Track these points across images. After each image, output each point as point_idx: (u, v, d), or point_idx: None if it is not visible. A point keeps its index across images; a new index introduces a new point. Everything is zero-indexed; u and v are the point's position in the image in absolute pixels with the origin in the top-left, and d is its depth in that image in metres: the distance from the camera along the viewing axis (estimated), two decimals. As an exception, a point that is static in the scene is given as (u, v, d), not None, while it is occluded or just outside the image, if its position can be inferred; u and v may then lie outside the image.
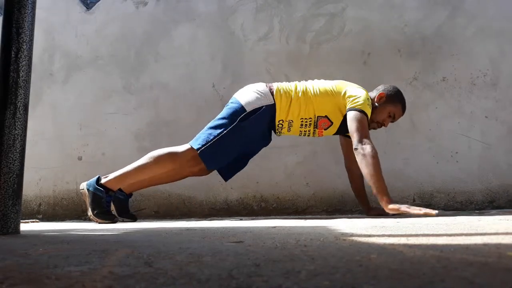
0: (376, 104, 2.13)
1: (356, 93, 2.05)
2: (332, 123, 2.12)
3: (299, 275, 0.57)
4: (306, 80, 2.21)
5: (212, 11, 2.83)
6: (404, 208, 1.82)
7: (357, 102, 2.02)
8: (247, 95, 2.10)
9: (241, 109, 2.06)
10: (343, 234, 1.11)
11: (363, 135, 1.96)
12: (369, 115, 2.03)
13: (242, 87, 2.70)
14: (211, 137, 2.04)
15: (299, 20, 2.73)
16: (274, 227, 1.46)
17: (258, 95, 2.08)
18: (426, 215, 1.78)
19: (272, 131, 2.18)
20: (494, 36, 2.57)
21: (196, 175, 2.18)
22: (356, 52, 2.66)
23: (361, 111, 2.00)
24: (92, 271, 0.63)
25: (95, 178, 2.12)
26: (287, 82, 2.18)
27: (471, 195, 2.48)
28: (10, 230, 1.28)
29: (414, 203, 2.50)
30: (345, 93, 2.07)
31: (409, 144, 2.55)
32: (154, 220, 2.39)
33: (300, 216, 2.40)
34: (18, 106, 1.32)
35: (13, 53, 1.33)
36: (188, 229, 1.45)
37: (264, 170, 2.62)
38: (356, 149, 1.95)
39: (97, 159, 2.79)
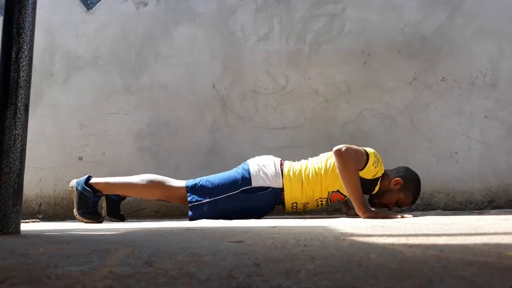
0: (390, 187, 2.05)
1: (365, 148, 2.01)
2: (345, 196, 2.07)
3: (299, 275, 0.57)
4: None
5: (212, 11, 2.83)
6: (380, 214, 1.86)
7: (365, 149, 1.98)
8: (260, 169, 2.06)
9: (247, 181, 2.03)
10: (343, 234, 1.11)
11: (349, 147, 1.92)
12: (368, 165, 1.93)
13: (242, 87, 2.72)
14: (206, 197, 2.03)
15: (299, 20, 2.73)
16: (274, 227, 1.46)
17: (269, 175, 2.04)
18: (402, 218, 1.82)
19: (282, 206, 2.13)
20: (493, 36, 2.57)
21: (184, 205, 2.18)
22: (356, 53, 2.66)
23: (365, 151, 1.95)
24: (93, 271, 0.63)
25: (85, 177, 2.13)
26: (297, 162, 2.13)
27: (471, 195, 2.48)
28: (10, 230, 1.28)
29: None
30: None
31: (409, 144, 2.55)
32: (154, 220, 2.39)
33: (300, 216, 2.40)
34: (19, 106, 1.32)
35: (13, 53, 1.33)
36: (188, 229, 1.45)
37: (264, 170, 2.62)
38: (338, 150, 1.91)
39: (97, 159, 2.79)
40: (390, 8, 2.67)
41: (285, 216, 2.44)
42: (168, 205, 2.67)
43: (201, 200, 2.03)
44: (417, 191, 2.08)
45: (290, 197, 2.05)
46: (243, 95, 2.72)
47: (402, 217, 1.81)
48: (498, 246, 0.79)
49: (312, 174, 2.04)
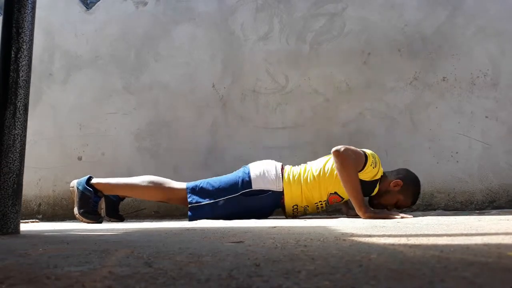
0: (389, 188, 2.05)
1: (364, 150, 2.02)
2: (342, 198, 2.09)
3: (299, 275, 0.57)
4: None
5: (212, 11, 2.82)
6: (380, 215, 1.87)
7: (364, 150, 1.99)
8: (260, 172, 2.07)
9: (247, 183, 2.05)
10: (343, 234, 1.11)
11: (348, 147, 1.92)
12: (369, 162, 1.94)
13: (242, 87, 2.72)
14: (206, 199, 2.04)
15: (299, 20, 2.73)
16: (274, 227, 1.46)
17: (269, 178, 2.06)
18: (403, 218, 1.82)
19: (282, 211, 2.15)
20: (494, 36, 2.57)
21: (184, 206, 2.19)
22: (356, 52, 2.66)
23: (363, 152, 1.96)
24: (92, 271, 0.63)
25: (85, 178, 2.14)
26: (297, 166, 2.14)
27: (472, 195, 2.48)
28: (10, 230, 1.28)
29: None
30: None
31: (409, 144, 2.55)
32: (154, 220, 2.39)
33: (300, 217, 2.39)
34: (18, 106, 1.32)
35: (13, 53, 1.33)
36: (188, 229, 1.45)
37: (264, 170, 2.62)
38: (336, 151, 1.91)
39: (97, 159, 2.79)
40: (390, 8, 2.66)
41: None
42: (167, 205, 2.67)
43: (201, 202, 2.05)
44: (416, 193, 2.09)
45: (291, 200, 2.07)
46: (243, 95, 2.72)
47: (402, 217, 1.81)
48: (499, 246, 0.79)
49: (310, 178, 2.06)
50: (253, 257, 0.73)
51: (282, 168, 2.12)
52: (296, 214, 2.13)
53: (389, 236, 1.04)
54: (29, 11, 1.36)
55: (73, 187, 2.15)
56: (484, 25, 2.58)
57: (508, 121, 2.51)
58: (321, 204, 2.10)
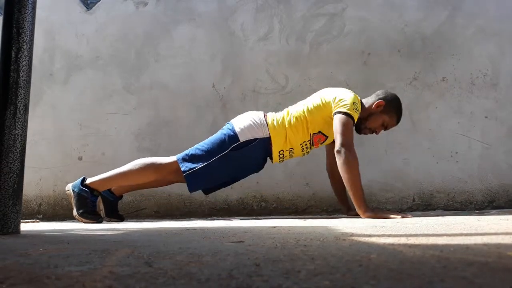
0: (373, 111, 2.10)
1: (343, 97, 2.02)
2: (327, 137, 2.10)
3: (299, 275, 0.57)
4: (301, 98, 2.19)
5: (212, 11, 2.83)
6: (380, 214, 1.87)
7: (344, 105, 1.99)
8: (244, 124, 2.08)
9: (234, 138, 2.05)
10: (343, 234, 1.11)
11: (347, 140, 1.94)
12: (355, 119, 1.99)
13: (242, 87, 2.72)
14: (199, 163, 2.04)
15: (299, 20, 2.73)
16: (274, 227, 1.46)
17: (254, 127, 2.07)
18: (402, 218, 1.82)
19: (269, 159, 2.17)
20: (494, 36, 2.57)
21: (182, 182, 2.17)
22: (356, 52, 2.66)
23: (347, 115, 1.97)
24: (93, 271, 0.63)
25: (80, 179, 2.15)
26: (280, 112, 2.16)
27: (471, 195, 2.48)
28: (10, 230, 1.28)
29: (414, 203, 2.50)
30: (334, 99, 2.04)
31: (409, 144, 2.55)
32: (154, 220, 2.39)
33: (300, 216, 2.40)
34: (19, 106, 1.32)
35: (13, 53, 1.33)
36: (188, 229, 1.45)
37: (264, 170, 2.62)
38: (338, 151, 1.93)
39: (97, 159, 2.79)
40: (390, 8, 2.67)
41: (285, 216, 2.44)
42: (168, 204, 2.67)
43: (194, 167, 2.04)
44: (399, 109, 2.13)
45: (277, 145, 2.08)
46: (243, 95, 2.72)
47: (402, 217, 1.82)
48: (498, 246, 0.79)
49: (293, 120, 2.08)
50: (253, 257, 0.73)
51: (265, 116, 2.13)
52: (283, 160, 2.15)
53: (389, 236, 1.04)
54: (29, 11, 1.37)
55: (68, 190, 2.16)
56: (483, 25, 2.58)
57: (508, 121, 2.51)
58: (306, 145, 2.11)
